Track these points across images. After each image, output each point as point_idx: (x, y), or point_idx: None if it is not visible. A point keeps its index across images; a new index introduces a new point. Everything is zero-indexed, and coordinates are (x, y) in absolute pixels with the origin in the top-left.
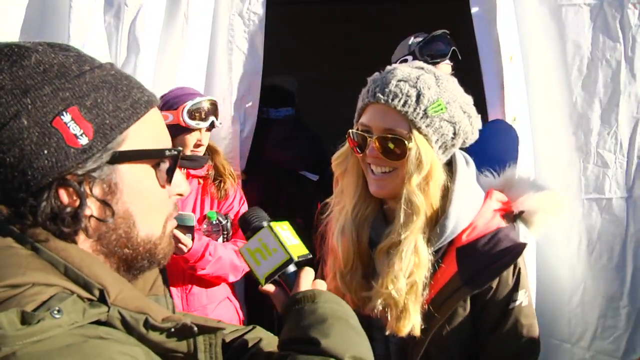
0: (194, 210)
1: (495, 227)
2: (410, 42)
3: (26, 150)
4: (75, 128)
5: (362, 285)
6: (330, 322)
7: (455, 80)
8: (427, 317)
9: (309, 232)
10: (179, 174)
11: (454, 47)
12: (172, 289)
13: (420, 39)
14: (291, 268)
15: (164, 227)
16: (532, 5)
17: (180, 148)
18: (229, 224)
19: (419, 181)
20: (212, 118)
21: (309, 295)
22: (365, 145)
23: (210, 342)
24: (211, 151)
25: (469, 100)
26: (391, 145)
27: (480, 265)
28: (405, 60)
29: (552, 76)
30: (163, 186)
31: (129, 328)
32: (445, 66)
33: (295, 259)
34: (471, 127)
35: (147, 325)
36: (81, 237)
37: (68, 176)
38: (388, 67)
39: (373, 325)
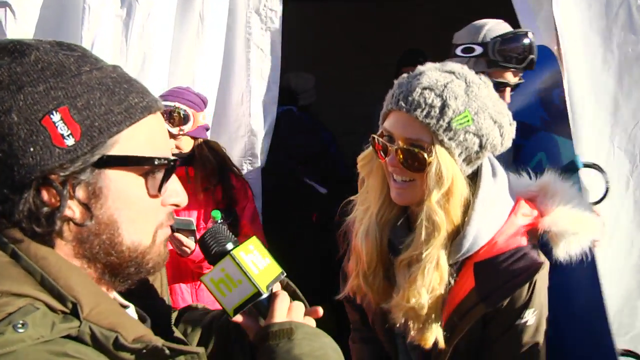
0: (200, 213)
1: (515, 246)
2: (484, 31)
3: (14, 146)
4: (63, 128)
5: (384, 286)
6: None
7: (490, 86)
8: (447, 328)
9: (323, 227)
10: (176, 183)
11: (532, 56)
12: (182, 285)
13: (498, 34)
14: (264, 295)
15: (154, 237)
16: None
17: (176, 161)
18: (235, 221)
19: (439, 197)
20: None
21: (285, 330)
22: (387, 152)
23: None
24: (200, 151)
25: (502, 108)
26: (412, 157)
27: (496, 283)
28: (472, 50)
29: (584, 70)
30: (153, 195)
31: (99, 345)
32: (511, 75)
33: (264, 290)
34: (501, 139)
35: (117, 344)
36: (61, 241)
37: (51, 176)
38: (416, 71)
39: (394, 333)
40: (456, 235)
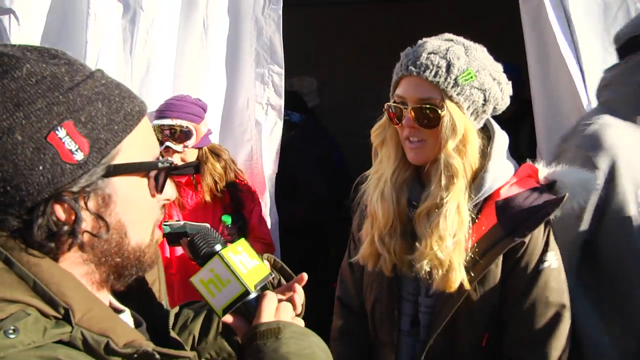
0: (208, 218)
1: (531, 186)
2: None
3: (20, 165)
4: (70, 143)
5: (401, 246)
6: None
7: (484, 50)
8: (468, 269)
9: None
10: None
11: None
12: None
13: None
14: (251, 295)
15: (152, 234)
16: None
17: (172, 160)
18: (244, 224)
19: (455, 145)
20: (166, 144)
21: (272, 329)
22: (401, 116)
23: None
24: (205, 159)
25: (498, 67)
26: (425, 114)
27: (522, 216)
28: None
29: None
30: (154, 195)
31: (90, 350)
32: None
33: (252, 289)
34: (501, 94)
35: (108, 349)
36: (69, 250)
37: (63, 192)
38: (419, 42)
39: (402, 286)
40: (474, 179)
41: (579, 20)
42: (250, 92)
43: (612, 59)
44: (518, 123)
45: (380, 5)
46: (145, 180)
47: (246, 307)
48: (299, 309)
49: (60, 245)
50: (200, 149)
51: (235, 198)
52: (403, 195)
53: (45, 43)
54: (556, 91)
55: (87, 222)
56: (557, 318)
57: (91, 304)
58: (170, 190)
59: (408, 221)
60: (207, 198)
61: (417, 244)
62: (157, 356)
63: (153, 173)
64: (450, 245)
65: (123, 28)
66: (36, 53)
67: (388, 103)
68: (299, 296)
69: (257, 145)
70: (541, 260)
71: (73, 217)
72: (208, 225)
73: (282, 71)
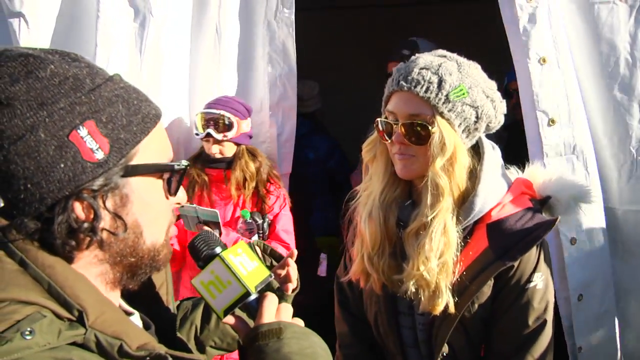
0: (231, 213)
1: (524, 207)
2: None
3: (42, 162)
4: (91, 142)
5: (390, 266)
6: None
7: (478, 67)
8: (458, 293)
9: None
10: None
11: None
12: None
13: None
14: (252, 296)
15: (166, 235)
16: (560, 4)
17: (187, 162)
18: (265, 224)
19: (443, 163)
20: (207, 130)
21: (274, 329)
22: (391, 132)
23: None
24: (241, 155)
25: (492, 85)
26: (415, 130)
27: (513, 239)
28: None
29: (585, 79)
30: (168, 197)
31: (104, 352)
32: None
33: (253, 290)
34: (494, 111)
35: (121, 352)
36: (85, 250)
37: (83, 190)
38: (412, 58)
39: (398, 301)
40: (464, 201)
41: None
42: (264, 94)
43: None
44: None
45: (385, 10)
46: (160, 182)
47: (247, 308)
48: (295, 282)
49: (79, 242)
50: (238, 145)
51: (262, 199)
52: (392, 215)
53: (54, 46)
54: None
55: (105, 221)
56: (534, 336)
57: (104, 307)
58: (181, 193)
59: (398, 240)
60: (233, 191)
61: (404, 264)
62: (170, 359)
63: (167, 175)
64: (435, 267)
65: (133, 32)
66: (58, 55)
67: (379, 118)
68: (293, 270)
69: (272, 147)
70: (528, 280)
71: (92, 215)
72: (217, 211)
73: (295, 74)
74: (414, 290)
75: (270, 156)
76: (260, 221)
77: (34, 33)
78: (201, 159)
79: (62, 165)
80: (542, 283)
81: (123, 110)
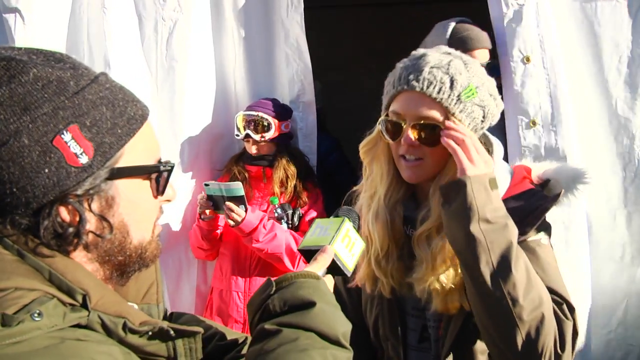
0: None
1: (526, 188)
2: None
3: (26, 168)
4: (75, 147)
5: (398, 269)
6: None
7: (479, 64)
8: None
9: None
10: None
11: None
12: (237, 278)
13: None
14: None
15: (153, 232)
16: (552, 3)
17: (174, 162)
18: (296, 217)
19: None
20: (246, 132)
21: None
22: (399, 133)
23: (190, 346)
24: (281, 155)
25: (493, 83)
26: (428, 132)
27: (522, 215)
28: None
29: (587, 78)
30: (155, 197)
31: (108, 331)
32: None
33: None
34: (497, 109)
35: (125, 328)
36: (74, 250)
37: (68, 194)
38: (415, 53)
39: (405, 302)
40: None
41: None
42: (285, 91)
43: None
44: None
45: (389, 6)
46: (147, 182)
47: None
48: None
49: (65, 245)
50: (278, 145)
51: (298, 196)
52: (397, 216)
53: (50, 42)
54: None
55: (91, 223)
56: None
57: (103, 290)
58: (170, 191)
59: (405, 241)
60: (276, 189)
61: (415, 266)
62: (172, 332)
63: (155, 175)
64: (452, 273)
65: (147, 38)
66: (42, 57)
67: (382, 118)
68: None
69: (295, 142)
70: (532, 237)
71: (77, 219)
72: (240, 184)
73: (310, 70)
74: (426, 295)
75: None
76: (289, 211)
77: (30, 29)
78: (244, 157)
79: (46, 171)
80: (547, 240)
81: (108, 113)
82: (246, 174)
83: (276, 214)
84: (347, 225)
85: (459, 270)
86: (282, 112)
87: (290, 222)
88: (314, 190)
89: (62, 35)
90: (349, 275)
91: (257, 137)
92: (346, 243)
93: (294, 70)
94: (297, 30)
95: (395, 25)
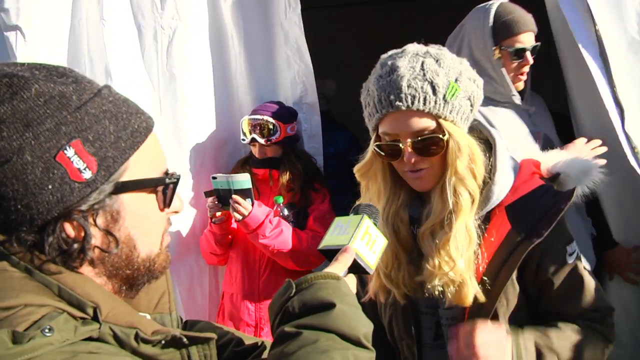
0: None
1: (536, 185)
2: None
3: (30, 185)
4: (78, 162)
5: (410, 273)
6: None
7: (447, 49)
8: (490, 282)
9: None
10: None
11: None
12: (247, 281)
13: None
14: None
15: (161, 244)
16: None
17: (179, 174)
18: (300, 216)
19: (466, 164)
20: (252, 136)
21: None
22: (398, 153)
23: (205, 352)
24: (287, 158)
25: (466, 63)
26: (428, 145)
27: (536, 216)
28: None
29: None
30: (162, 209)
31: (120, 342)
32: None
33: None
34: (480, 90)
35: (138, 338)
36: (81, 265)
37: (73, 210)
38: (383, 70)
39: (419, 301)
40: (480, 192)
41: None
42: (287, 93)
43: None
44: None
45: (392, 6)
46: (153, 195)
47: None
48: None
49: (71, 262)
50: (284, 147)
51: (306, 197)
52: (401, 223)
53: (51, 57)
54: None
55: (97, 238)
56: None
57: (113, 302)
58: (177, 202)
59: (414, 243)
60: (283, 191)
61: (425, 263)
62: (185, 340)
63: (160, 188)
64: (462, 265)
65: (147, 48)
66: (44, 72)
67: (376, 143)
68: None
69: (300, 143)
70: (570, 254)
71: (83, 234)
72: (248, 175)
73: (312, 71)
74: (440, 289)
75: None
76: (292, 211)
77: (31, 45)
78: (250, 161)
79: (50, 187)
80: (579, 251)
81: (111, 127)
82: (253, 178)
83: (281, 214)
84: (367, 222)
85: (469, 262)
86: (287, 115)
87: (295, 220)
88: (321, 190)
89: (63, 50)
90: (371, 273)
91: (262, 140)
92: (366, 240)
93: (295, 72)
94: (296, 32)
95: (395, 23)
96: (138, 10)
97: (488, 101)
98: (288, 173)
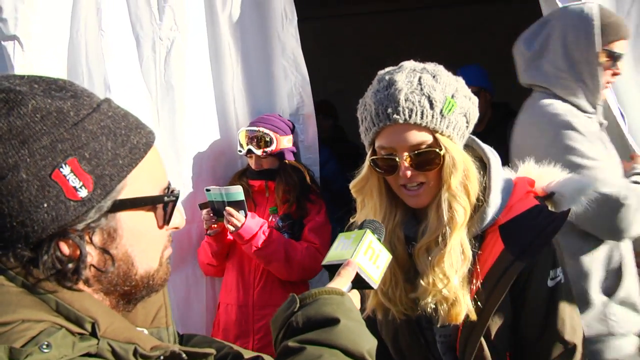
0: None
1: (531, 205)
2: None
3: (25, 202)
4: (74, 180)
5: (406, 291)
6: (356, 315)
7: (442, 67)
8: (482, 301)
9: None
10: (177, 208)
11: None
12: (242, 293)
13: None
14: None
15: (161, 259)
16: None
17: (178, 192)
18: (296, 227)
19: (458, 182)
20: (249, 147)
21: (339, 291)
22: (394, 167)
23: None
24: (283, 170)
25: (462, 82)
26: (425, 159)
27: (529, 237)
28: None
29: None
30: (161, 227)
31: (119, 358)
32: None
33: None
34: (475, 108)
35: (137, 354)
36: (78, 282)
37: (68, 228)
38: (380, 84)
39: (420, 318)
40: (475, 211)
41: None
42: (284, 105)
43: None
44: (498, 128)
45: (388, 14)
46: (152, 212)
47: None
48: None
49: (64, 281)
50: (280, 160)
51: (302, 208)
52: (397, 241)
53: (48, 69)
54: None
55: (93, 257)
56: (573, 333)
57: (112, 317)
58: (178, 218)
59: (410, 262)
60: (279, 203)
61: (419, 280)
62: (184, 355)
63: (160, 205)
64: (456, 282)
65: (146, 58)
66: (43, 85)
67: (372, 158)
68: None
69: (296, 155)
70: (550, 276)
71: (78, 253)
72: (241, 188)
73: (308, 82)
74: (433, 306)
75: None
76: (287, 222)
77: (29, 55)
78: (247, 173)
79: (45, 205)
80: (564, 277)
81: (108, 144)
82: (249, 189)
83: (276, 225)
84: (370, 237)
85: (464, 280)
86: (284, 127)
87: (290, 231)
88: (317, 201)
89: (61, 60)
90: (375, 287)
91: (259, 152)
92: (370, 255)
93: (292, 83)
94: (292, 43)
95: (394, 33)
96: (137, 20)
97: (580, 111)
98: (284, 184)
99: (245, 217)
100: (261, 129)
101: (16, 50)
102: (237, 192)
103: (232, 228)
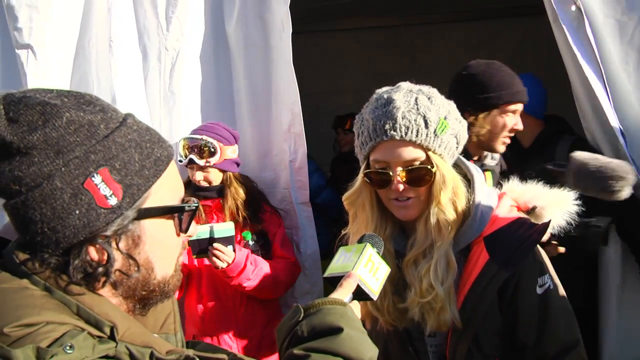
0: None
1: (515, 217)
2: None
3: (58, 209)
4: (105, 189)
5: (394, 302)
6: (358, 325)
7: (436, 90)
8: (470, 310)
9: None
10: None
11: None
12: (224, 321)
13: None
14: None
15: (176, 265)
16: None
17: (197, 202)
18: (267, 244)
19: (447, 199)
20: (190, 156)
21: (340, 301)
22: (387, 181)
23: None
24: (229, 183)
25: (454, 106)
26: (416, 175)
27: (512, 247)
28: None
29: None
30: (179, 235)
31: None
32: None
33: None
34: (465, 131)
35: (153, 357)
36: (104, 287)
37: (98, 235)
38: (378, 102)
39: (410, 328)
40: (461, 225)
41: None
42: (274, 121)
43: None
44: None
45: (393, 29)
46: (171, 221)
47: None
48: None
49: (93, 283)
50: (225, 172)
51: (258, 222)
52: (388, 254)
53: (60, 78)
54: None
55: (118, 262)
56: (572, 334)
57: (129, 322)
58: (193, 227)
59: (398, 274)
60: (228, 220)
61: (408, 291)
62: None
63: (179, 214)
64: (442, 293)
65: (152, 68)
66: (73, 100)
67: (366, 171)
68: None
69: (286, 176)
70: (538, 284)
71: (106, 258)
72: (232, 223)
73: (298, 100)
74: (419, 315)
75: (285, 184)
76: (262, 241)
77: (42, 64)
78: (190, 187)
79: (77, 212)
80: (553, 283)
81: (136, 156)
82: (200, 207)
83: (252, 250)
84: (370, 250)
85: (450, 290)
86: (229, 136)
87: (263, 251)
88: (274, 214)
89: (72, 69)
90: (375, 299)
91: (201, 162)
92: (370, 268)
93: (282, 101)
94: (284, 59)
95: (400, 49)
96: (144, 30)
97: None
98: (231, 200)
99: (234, 250)
100: (204, 137)
101: (29, 58)
102: (228, 228)
103: (221, 265)
